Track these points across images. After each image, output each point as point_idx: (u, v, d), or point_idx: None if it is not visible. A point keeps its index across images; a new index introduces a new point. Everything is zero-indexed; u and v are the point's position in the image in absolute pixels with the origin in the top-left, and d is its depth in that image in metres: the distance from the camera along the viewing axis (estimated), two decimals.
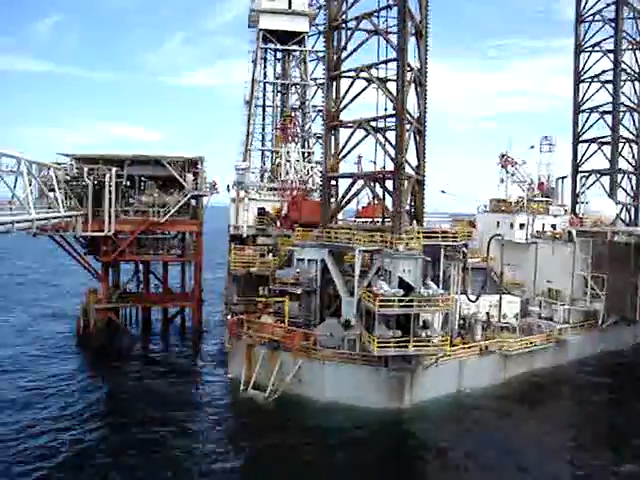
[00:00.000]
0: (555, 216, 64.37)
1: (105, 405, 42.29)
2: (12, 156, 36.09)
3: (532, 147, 68.68)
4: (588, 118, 74.00)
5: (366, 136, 48.19)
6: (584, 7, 72.59)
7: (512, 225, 62.83)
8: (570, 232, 56.94)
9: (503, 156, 63.11)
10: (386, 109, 45.82)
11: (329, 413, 39.37)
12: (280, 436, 36.16)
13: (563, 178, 72.42)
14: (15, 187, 36.35)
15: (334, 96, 49.14)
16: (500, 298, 49.93)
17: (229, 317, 48.52)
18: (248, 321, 46.03)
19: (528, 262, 60.83)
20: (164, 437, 35.87)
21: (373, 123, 47.56)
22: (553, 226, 63.45)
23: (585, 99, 73.81)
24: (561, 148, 75.37)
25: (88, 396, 42.98)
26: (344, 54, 49.00)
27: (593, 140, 73.90)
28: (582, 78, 73.54)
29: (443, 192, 73.87)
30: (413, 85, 46.60)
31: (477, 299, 47.99)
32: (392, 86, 45.39)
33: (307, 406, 40.58)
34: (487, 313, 49.35)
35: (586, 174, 74.59)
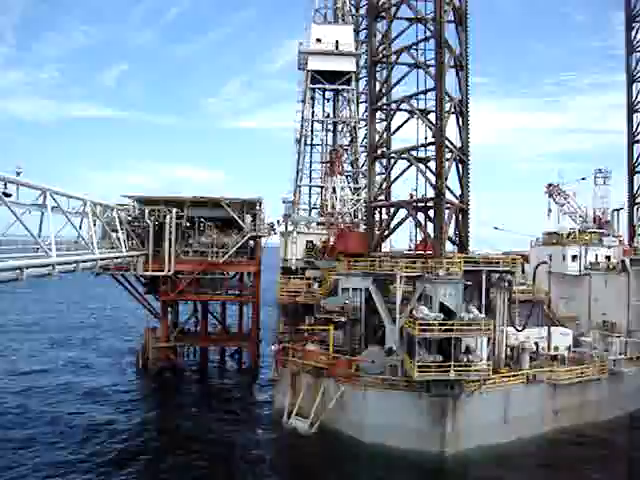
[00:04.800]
0: (609, 247, 62.67)
1: (152, 430, 44.08)
2: (79, 198, 38.30)
3: (583, 179, 67.67)
4: None
5: (409, 166, 48.93)
6: (634, 38, 72.05)
7: (564, 257, 61.49)
8: (624, 261, 55.39)
9: (550, 185, 62.42)
10: (426, 138, 46.62)
11: (372, 438, 39.36)
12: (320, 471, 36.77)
13: (619, 210, 70.76)
14: (80, 227, 38.48)
15: (377, 128, 50.35)
16: (549, 328, 48.78)
17: (273, 346, 49.17)
18: (293, 349, 46.58)
19: (582, 294, 59.19)
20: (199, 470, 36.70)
21: (415, 153, 48.29)
22: (608, 257, 61.77)
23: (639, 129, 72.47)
24: (619, 180, 73.76)
25: (138, 422, 45.24)
26: (387, 87, 50.45)
27: None
28: (636, 108, 72.39)
29: (496, 228, 73.65)
30: (454, 116, 47.32)
31: (524, 328, 47.06)
32: (433, 117, 46.19)
33: (349, 434, 40.63)
34: (536, 343, 48.25)
35: None
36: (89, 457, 37.31)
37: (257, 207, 59.49)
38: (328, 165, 66.74)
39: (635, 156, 72.88)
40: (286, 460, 39.66)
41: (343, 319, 46.61)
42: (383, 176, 51.43)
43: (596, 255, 61.57)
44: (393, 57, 49.20)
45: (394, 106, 49.44)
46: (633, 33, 72.70)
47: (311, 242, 61.49)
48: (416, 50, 47.68)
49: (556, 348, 49.20)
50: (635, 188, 72.98)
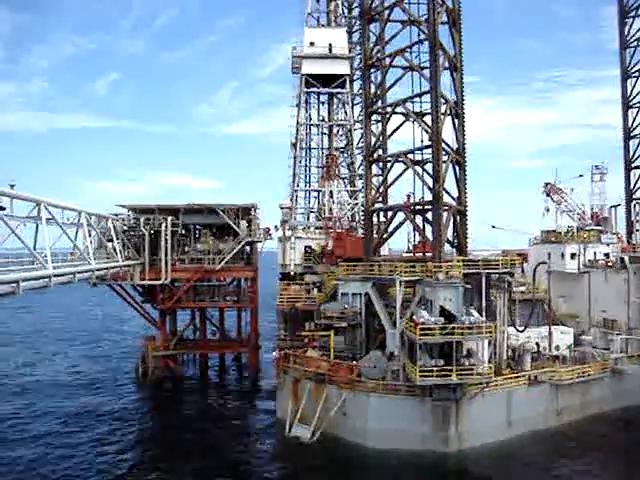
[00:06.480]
0: (608, 244, 62.60)
1: (152, 440, 44.04)
2: (73, 209, 38.24)
3: (581, 175, 67.58)
4: None
5: (406, 169, 48.73)
6: (628, 33, 71.95)
7: (563, 255, 61.47)
8: (623, 259, 55.28)
9: (547, 184, 62.40)
10: (422, 141, 46.47)
11: (375, 444, 39.23)
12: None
13: (616, 206, 70.64)
14: (76, 238, 38.45)
15: (373, 131, 50.23)
16: (550, 328, 48.70)
17: (274, 353, 49.00)
18: (294, 355, 46.43)
19: (581, 292, 59.08)
20: None
21: (411, 156, 48.14)
22: (606, 255, 61.67)
23: (635, 125, 72.30)
24: (615, 176, 73.60)
25: (137, 431, 45.21)
26: (382, 90, 50.24)
27: None
28: (631, 104, 72.23)
29: (494, 227, 73.55)
30: (450, 117, 47.12)
31: (525, 329, 46.98)
32: (429, 120, 46.05)
33: (352, 440, 40.42)
34: (537, 344, 48.11)
35: None
36: (89, 465, 37.38)
37: (252, 212, 59.34)
38: (324, 169, 66.57)
39: (632, 152, 72.67)
40: (289, 470, 39.28)
41: (343, 324, 46.48)
42: (380, 180, 51.22)
43: (595, 253, 61.57)
44: (387, 60, 49.04)
45: (389, 109, 49.30)
46: (627, 28, 72.57)
47: (309, 247, 61.25)
48: (410, 52, 47.58)
49: (557, 347, 49.12)
50: (632, 184, 72.79)
